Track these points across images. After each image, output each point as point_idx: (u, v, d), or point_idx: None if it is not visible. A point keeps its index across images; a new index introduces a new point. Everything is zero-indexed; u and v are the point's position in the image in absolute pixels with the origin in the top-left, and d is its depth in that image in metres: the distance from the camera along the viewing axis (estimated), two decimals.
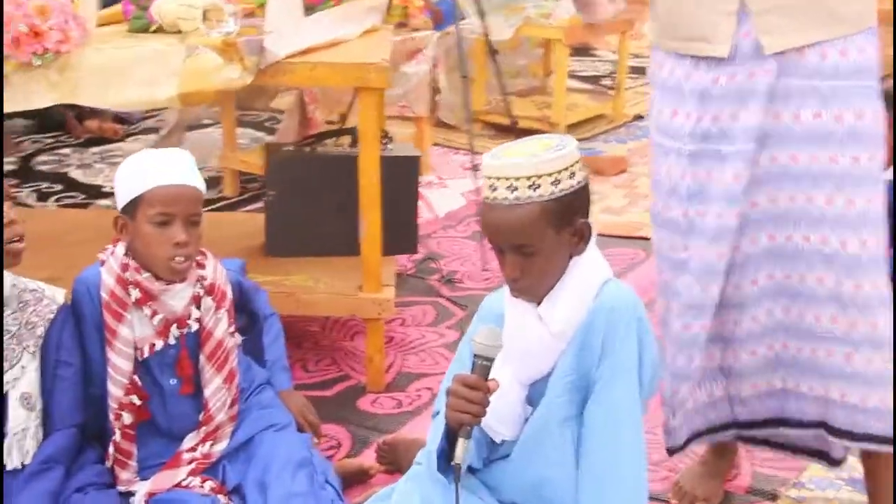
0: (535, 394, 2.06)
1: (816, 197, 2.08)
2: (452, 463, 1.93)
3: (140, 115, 5.63)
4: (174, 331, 2.33)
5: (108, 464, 2.34)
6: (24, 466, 2.21)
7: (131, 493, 2.31)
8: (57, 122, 5.34)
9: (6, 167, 4.93)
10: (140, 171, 2.28)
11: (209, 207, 4.27)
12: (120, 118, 5.51)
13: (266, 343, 2.62)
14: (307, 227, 3.14)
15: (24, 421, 2.21)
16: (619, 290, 2.01)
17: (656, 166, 2.25)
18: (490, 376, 1.96)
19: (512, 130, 5.34)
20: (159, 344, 2.32)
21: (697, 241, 2.18)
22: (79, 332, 2.33)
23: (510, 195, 1.93)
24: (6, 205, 2.23)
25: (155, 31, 3.02)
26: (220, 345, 2.37)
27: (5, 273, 2.22)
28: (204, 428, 2.37)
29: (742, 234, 2.14)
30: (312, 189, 3.12)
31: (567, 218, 1.96)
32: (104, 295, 2.29)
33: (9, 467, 2.20)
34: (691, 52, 2.12)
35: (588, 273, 2.01)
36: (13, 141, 5.25)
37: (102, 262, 2.32)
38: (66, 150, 5.19)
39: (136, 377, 2.32)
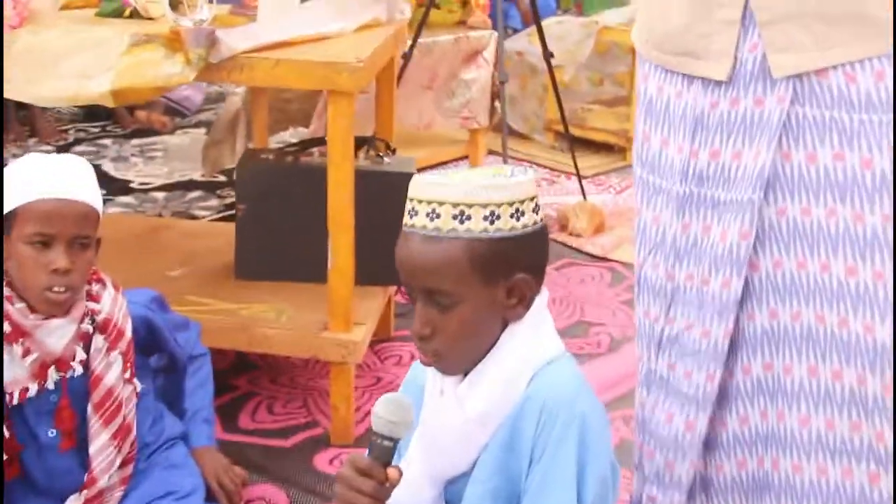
0: (453, 496, 1.61)
1: (834, 265, 1.55)
2: None
3: (196, 107, 5.35)
4: (53, 374, 1.95)
5: None
6: None
7: None
8: (107, 111, 5.08)
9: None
10: (20, 180, 1.90)
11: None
12: (173, 110, 5.23)
13: (188, 388, 2.24)
14: (282, 248, 2.73)
15: None
16: (558, 376, 1.53)
17: (642, 209, 1.75)
18: (398, 462, 1.53)
19: (589, 143, 4.90)
20: (34, 388, 1.94)
21: (686, 313, 1.68)
22: None
23: (429, 224, 1.49)
24: None
25: (129, 17, 2.69)
26: (111, 393, 1.98)
27: None
28: (86, 492, 1.99)
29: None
30: (290, 204, 2.70)
31: (502, 268, 1.50)
32: None
33: None
34: (682, 69, 1.62)
35: (524, 348, 1.54)
36: (57, 129, 5.02)
37: None
38: (107, 141, 4.93)
39: (2, 427, 1.95)
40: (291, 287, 2.70)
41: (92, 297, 1.98)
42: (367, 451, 1.49)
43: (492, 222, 1.48)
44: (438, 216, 1.48)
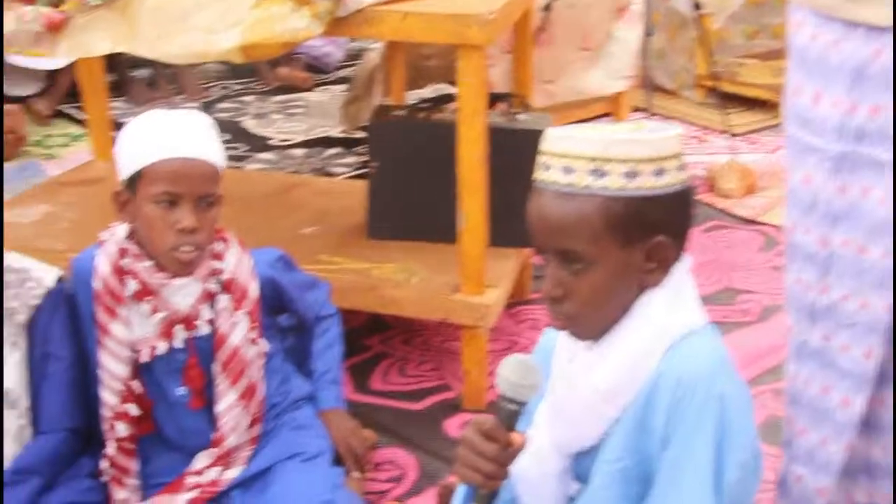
0: (583, 470, 1.51)
1: None
2: None
3: (336, 64, 5.33)
4: (179, 332, 1.94)
5: (105, 479, 1.99)
6: None
7: None
8: (249, 68, 5.12)
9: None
10: (144, 138, 1.88)
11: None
12: (314, 67, 5.23)
13: (316, 350, 2.19)
14: (414, 207, 2.66)
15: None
16: (696, 350, 1.40)
17: (792, 169, 1.60)
18: (527, 430, 1.45)
19: (742, 99, 4.66)
20: (162, 347, 1.94)
21: (843, 282, 1.54)
22: (75, 321, 1.98)
23: (563, 179, 1.38)
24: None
25: None
26: (236, 353, 1.96)
27: None
28: (214, 450, 1.98)
29: None
30: (422, 162, 2.62)
31: (641, 230, 1.38)
32: (96, 285, 1.92)
33: None
34: (840, 15, 1.46)
35: (660, 316, 1.42)
36: (200, 86, 5.08)
37: (101, 243, 1.95)
38: (249, 98, 4.96)
39: (134, 383, 1.95)
40: (424, 247, 2.63)
41: (216, 256, 1.96)
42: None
43: (631, 179, 1.37)
44: (573, 171, 1.38)
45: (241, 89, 5.11)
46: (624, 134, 1.39)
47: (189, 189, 1.84)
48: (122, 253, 1.92)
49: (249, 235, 2.24)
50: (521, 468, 1.52)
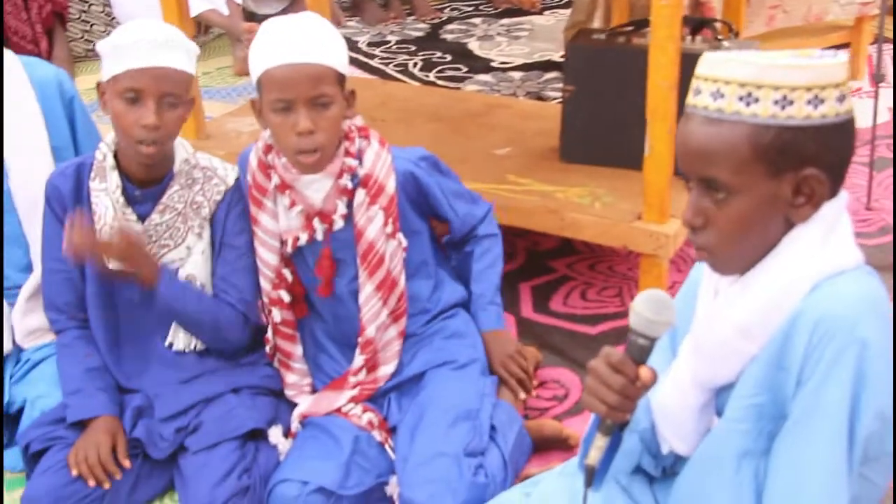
0: (724, 404, 1.48)
1: None
2: (584, 462, 1.44)
3: None
4: (318, 225, 2.02)
5: (275, 363, 2.14)
6: (189, 351, 2.10)
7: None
8: None
9: (415, 33, 4.87)
10: (259, 47, 1.92)
11: None
12: None
13: (476, 271, 2.22)
14: (607, 133, 2.64)
15: None
16: (842, 290, 1.32)
17: None
18: (669, 366, 1.46)
19: None
20: (303, 238, 2.03)
21: None
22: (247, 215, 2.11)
23: (712, 104, 1.34)
24: None
25: None
26: (373, 246, 2.02)
27: (181, 143, 2.05)
28: (360, 338, 2.06)
29: None
30: (616, 87, 2.59)
31: (790, 161, 1.32)
32: (248, 178, 2.05)
33: (175, 348, 2.10)
34: None
35: (807, 254, 1.35)
36: (432, 7, 5.17)
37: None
38: (477, 20, 5.01)
39: (284, 271, 2.07)
40: (613, 174, 2.62)
41: (350, 154, 1.99)
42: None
43: (783, 108, 1.30)
44: (722, 96, 1.33)
45: (471, 11, 5.16)
46: (783, 59, 1.32)
47: (298, 93, 1.87)
48: (268, 149, 2.02)
49: (445, 151, 2.29)
50: (662, 399, 1.52)
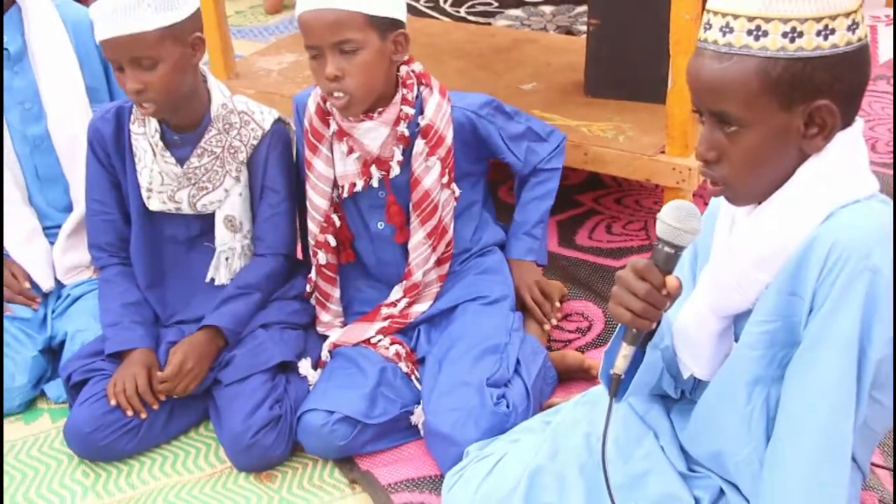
0: (741, 332, 1.52)
1: None
2: (611, 372, 1.48)
3: None
4: (375, 172, 2.07)
5: (312, 302, 2.21)
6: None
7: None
8: None
9: None
10: None
11: None
12: None
13: (523, 200, 2.27)
14: (631, 66, 2.64)
15: (228, 241, 2.14)
16: (857, 218, 1.34)
17: None
18: (688, 290, 1.48)
19: None
20: (360, 184, 2.09)
21: None
22: (290, 158, 2.17)
23: (721, 39, 1.35)
24: None
25: None
26: (428, 195, 2.08)
27: (217, 88, 2.10)
28: (405, 282, 2.13)
29: None
30: (640, 20, 2.59)
31: (801, 93, 1.33)
32: (305, 123, 2.09)
33: (216, 283, 2.16)
34: None
35: (821, 183, 1.37)
36: None
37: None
38: None
39: (334, 216, 2.12)
40: (638, 107, 2.63)
41: (407, 101, 2.02)
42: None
43: (792, 40, 1.31)
44: (731, 30, 1.34)
45: None
46: None
47: (321, 39, 1.90)
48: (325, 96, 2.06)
49: (471, 87, 2.31)
50: (682, 325, 1.55)
